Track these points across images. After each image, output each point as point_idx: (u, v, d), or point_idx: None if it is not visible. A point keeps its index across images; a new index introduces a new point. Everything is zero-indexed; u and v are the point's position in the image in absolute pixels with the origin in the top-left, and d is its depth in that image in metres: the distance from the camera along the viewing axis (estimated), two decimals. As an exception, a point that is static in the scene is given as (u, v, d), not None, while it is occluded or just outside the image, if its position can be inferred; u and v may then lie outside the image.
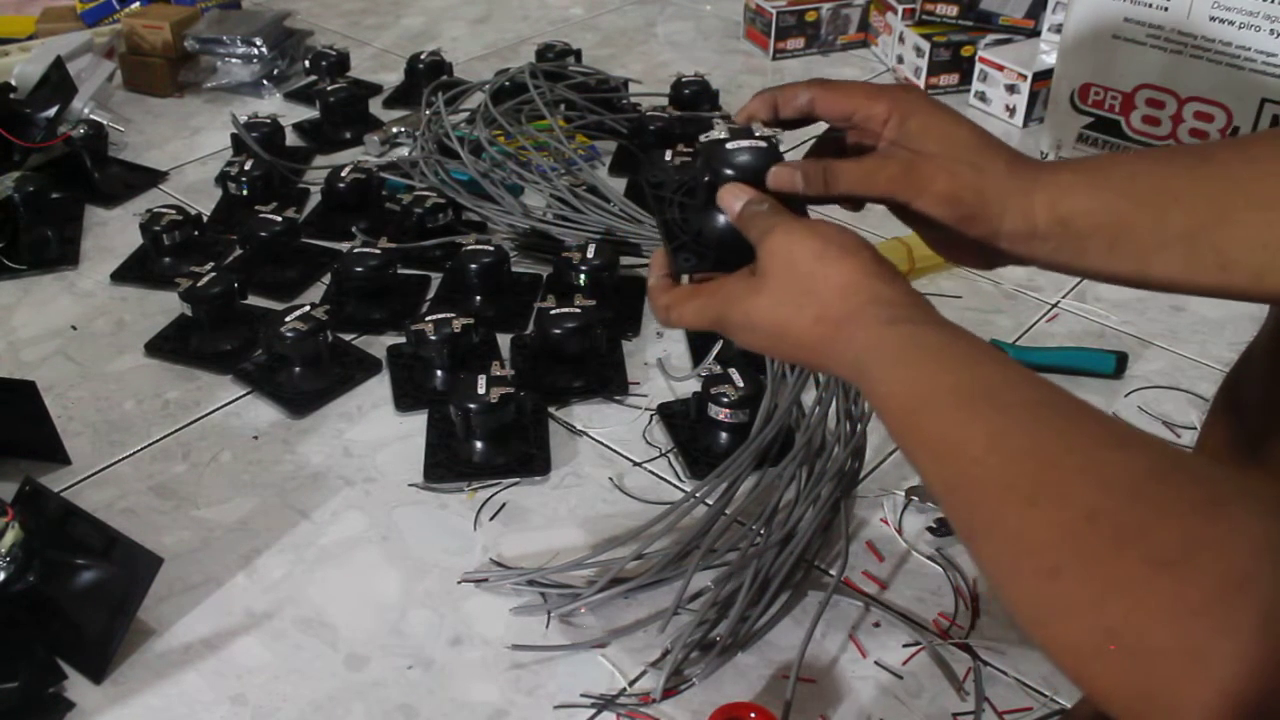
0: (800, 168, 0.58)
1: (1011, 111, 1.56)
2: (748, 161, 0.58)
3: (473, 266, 1.13)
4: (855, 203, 0.61)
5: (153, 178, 1.43)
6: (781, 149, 0.59)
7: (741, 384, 0.96)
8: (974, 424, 0.46)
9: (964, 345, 0.49)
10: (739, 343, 0.58)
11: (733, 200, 0.58)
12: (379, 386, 1.07)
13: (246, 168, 1.31)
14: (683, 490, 0.94)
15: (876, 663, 0.80)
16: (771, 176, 0.58)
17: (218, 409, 1.04)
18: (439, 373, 1.04)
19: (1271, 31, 1.22)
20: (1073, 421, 0.44)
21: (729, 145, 0.59)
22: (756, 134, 0.59)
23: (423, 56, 1.63)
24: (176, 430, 1.02)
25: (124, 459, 0.99)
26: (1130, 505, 0.39)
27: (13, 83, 1.42)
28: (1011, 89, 1.55)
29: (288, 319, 1.03)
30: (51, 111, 1.38)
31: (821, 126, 0.64)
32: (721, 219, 0.59)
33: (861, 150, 0.62)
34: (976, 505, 0.44)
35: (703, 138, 0.60)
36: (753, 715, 0.74)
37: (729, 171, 0.58)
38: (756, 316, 0.55)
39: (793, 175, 0.58)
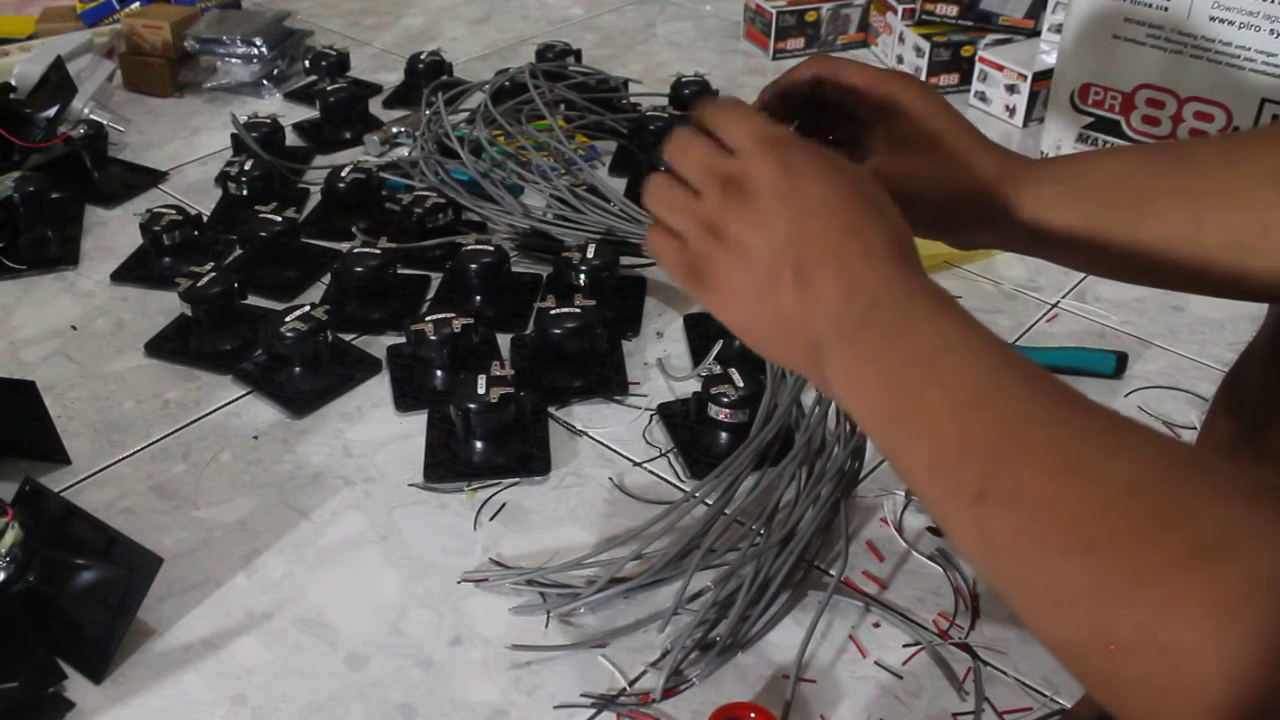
0: None
1: (1011, 111, 1.56)
2: None
3: (473, 266, 1.13)
4: None
5: (153, 178, 1.42)
6: None
7: (741, 384, 0.96)
8: (1007, 385, 0.42)
9: (984, 329, 0.46)
10: (721, 281, 0.51)
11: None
12: (379, 386, 1.07)
13: (246, 168, 1.31)
14: (683, 490, 0.94)
15: (876, 663, 0.80)
16: None
17: (218, 409, 1.04)
18: (439, 373, 1.04)
19: (1271, 31, 1.22)
20: (1098, 410, 0.41)
21: None
22: None
23: (423, 56, 1.63)
24: (176, 430, 1.02)
25: (124, 459, 0.99)
26: (1171, 484, 0.36)
27: (13, 83, 1.42)
28: (1011, 89, 1.55)
29: (288, 319, 1.03)
30: (51, 111, 1.38)
31: None
32: None
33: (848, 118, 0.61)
34: (998, 465, 0.39)
35: None
36: (753, 715, 0.74)
37: None
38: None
39: None
